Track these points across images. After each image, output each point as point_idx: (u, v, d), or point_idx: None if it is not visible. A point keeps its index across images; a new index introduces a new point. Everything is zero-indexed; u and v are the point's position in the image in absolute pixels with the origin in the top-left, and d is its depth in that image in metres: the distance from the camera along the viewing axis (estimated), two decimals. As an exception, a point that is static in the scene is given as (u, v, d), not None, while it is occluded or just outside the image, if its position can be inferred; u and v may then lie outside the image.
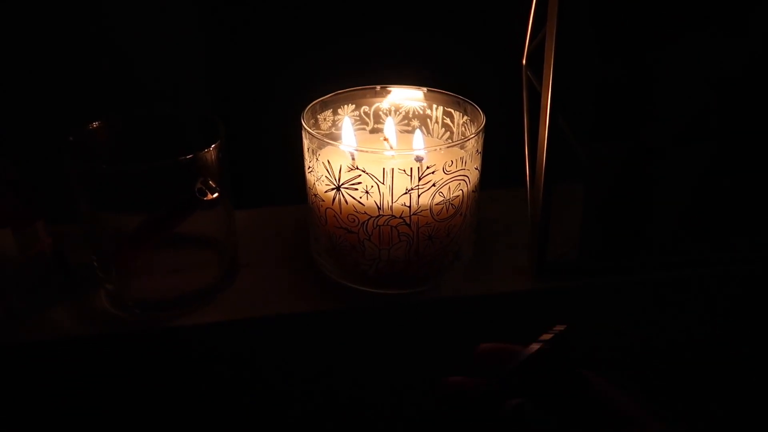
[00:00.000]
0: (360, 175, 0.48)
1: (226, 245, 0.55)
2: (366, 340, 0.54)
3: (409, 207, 0.49)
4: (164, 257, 0.51)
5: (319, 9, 0.65)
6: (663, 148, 0.54)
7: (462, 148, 0.51)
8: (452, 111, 0.56)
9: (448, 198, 0.50)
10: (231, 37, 0.66)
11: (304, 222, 0.57)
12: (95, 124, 0.52)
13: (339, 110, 0.57)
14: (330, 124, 0.57)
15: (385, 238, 0.50)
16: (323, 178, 0.50)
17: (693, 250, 0.57)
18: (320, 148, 0.51)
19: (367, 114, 0.58)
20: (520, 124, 0.56)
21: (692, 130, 0.54)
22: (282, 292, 0.54)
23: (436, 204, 0.49)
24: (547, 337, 0.39)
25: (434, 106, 0.57)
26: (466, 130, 0.55)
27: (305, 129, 0.51)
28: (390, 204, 0.49)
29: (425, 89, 0.57)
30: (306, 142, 0.52)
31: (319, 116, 0.55)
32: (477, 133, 0.50)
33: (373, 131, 0.58)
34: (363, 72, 0.59)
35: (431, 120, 0.57)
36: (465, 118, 0.55)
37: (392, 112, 0.58)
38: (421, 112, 0.58)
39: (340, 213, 0.50)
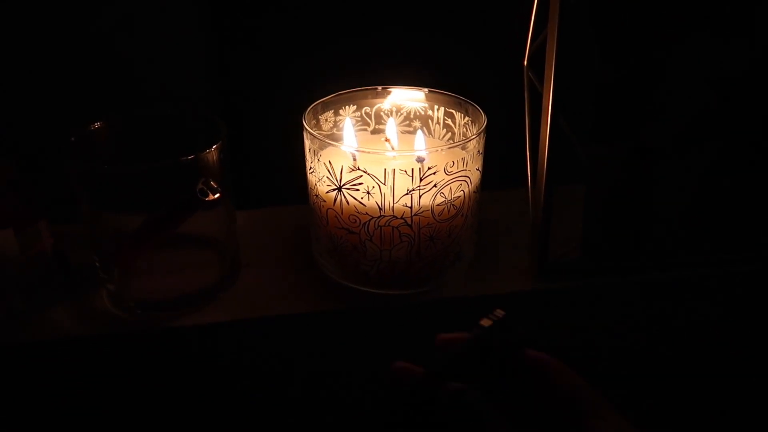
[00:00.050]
0: (361, 176, 0.48)
1: (227, 245, 0.55)
2: (367, 341, 0.54)
3: (411, 208, 0.49)
4: (165, 257, 0.51)
5: (319, 10, 0.65)
6: (663, 148, 0.54)
7: (463, 148, 0.51)
8: (453, 112, 0.56)
9: (449, 199, 0.50)
10: (232, 38, 0.66)
11: (305, 222, 0.57)
12: (96, 125, 0.52)
13: (340, 111, 0.57)
14: (331, 125, 0.57)
15: (386, 238, 0.50)
16: (324, 178, 0.50)
17: (693, 250, 0.57)
18: (321, 149, 0.51)
19: (368, 115, 0.58)
20: (521, 125, 0.57)
21: (693, 130, 0.54)
22: (283, 293, 0.54)
23: (438, 205, 0.49)
24: (486, 323, 0.39)
25: (435, 106, 0.57)
26: (467, 130, 0.55)
27: (306, 130, 0.51)
28: (391, 205, 0.49)
29: (426, 90, 0.57)
30: (307, 143, 0.52)
31: (320, 117, 0.55)
32: (478, 134, 0.50)
33: (375, 132, 0.58)
34: (364, 73, 0.59)
35: (432, 121, 0.57)
36: (466, 118, 0.55)
37: (393, 113, 0.58)
38: (423, 112, 0.58)
39: (342, 213, 0.50)
